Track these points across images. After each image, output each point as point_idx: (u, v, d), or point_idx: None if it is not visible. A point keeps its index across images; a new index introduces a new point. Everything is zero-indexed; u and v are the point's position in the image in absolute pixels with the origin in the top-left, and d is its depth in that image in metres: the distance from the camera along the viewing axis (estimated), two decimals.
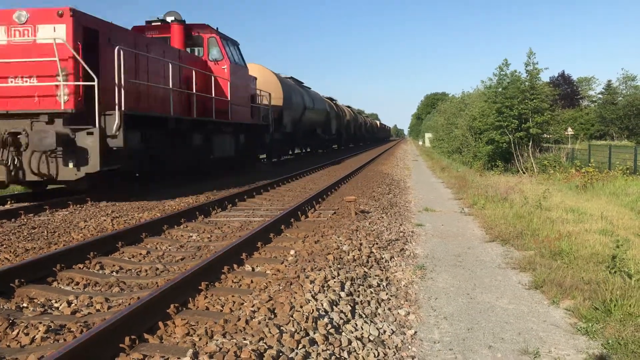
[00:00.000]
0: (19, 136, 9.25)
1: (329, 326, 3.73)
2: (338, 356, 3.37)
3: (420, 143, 75.16)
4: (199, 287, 4.44)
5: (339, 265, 5.21)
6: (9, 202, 9.80)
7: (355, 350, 3.53)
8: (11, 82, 9.39)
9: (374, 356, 3.51)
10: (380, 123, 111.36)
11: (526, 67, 20.19)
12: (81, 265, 5.41)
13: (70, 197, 10.10)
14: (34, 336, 3.50)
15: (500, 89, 20.48)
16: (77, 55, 9.13)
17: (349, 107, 50.41)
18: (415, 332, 4.11)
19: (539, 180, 16.44)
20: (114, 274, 5.21)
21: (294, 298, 4.07)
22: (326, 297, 4.23)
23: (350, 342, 3.61)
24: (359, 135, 57.89)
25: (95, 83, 9.11)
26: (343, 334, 3.73)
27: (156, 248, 6.30)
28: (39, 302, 4.32)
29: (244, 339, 3.30)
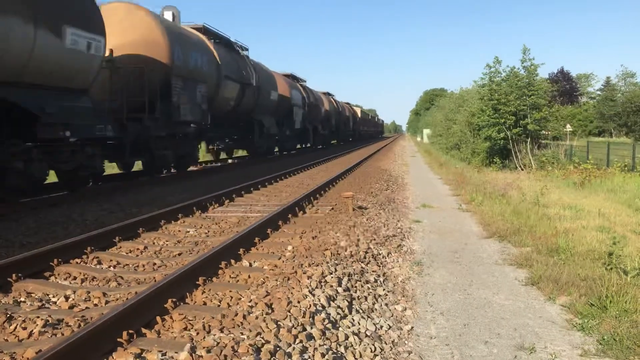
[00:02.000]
0: None
1: (326, 321, 3.74)
2: (335, 351, 3.38)
3: (419, 139, 75.13)
4: (197, 282, 4.44)
5: (336, 261, 5.23)
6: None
7: (352, 345, 3.54)
8: None
9: (371, 351, 3.52)
10: (363, 111, 73.23)
11: (522, 63, 20.21)
12: (78, 260, 5.41)
13: (67, 193, 10.10)
14: (32, 330, 3.50)
15: (493, 86, 20.48)
16: None
17: (291, 76, 27.11)
18: (412, 328, 4.13)
19: (537, 177, 16.46)
20: (112, 268, 5.21)
21: (291, 293, 4.09)
22: (323, 292, 4.25)
23: (347, 337, 3.62)
24: (311, 131, 31.85)
25: None
26: (340, 329, 3.74)
27: (153, 243, 6.30)
28: (36, 297, 4.32)
29: (242, 333, 3.31)
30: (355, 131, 59.07)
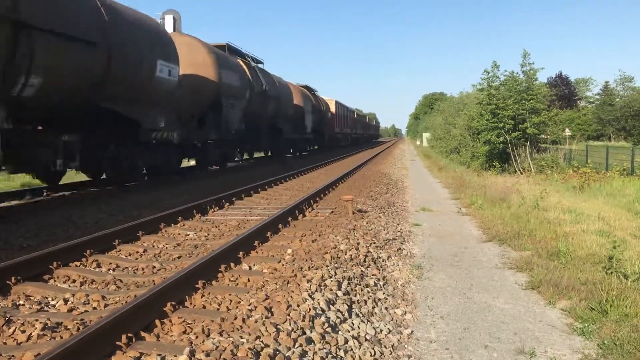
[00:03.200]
0: None
1: (326, 325, 3.73)
2: (334, 355, 3.37)
3: (418, 143, 75.19)
4: (196, 286, 4.43)
5: (336, 265, 5.22)
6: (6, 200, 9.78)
7: (351, 349, 3.53)
8: None
9: (371, 355, 3.51)
10: (342, 106, 48.51)
11: (522, 67, 20.26)
12: (78, 263, 5.40)
13: (68, 194, 10.09)
14: (31, 334, 3.49)
15: (492, 91, 20.51)
16: None
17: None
18: (412, 332, 4.12)
19: (537, 181, 16.47)
20: (111, 271, 5.20)
21: (291, 297, 4.08)
22: (323, 296, 4.24)
23: (346, 341, 3.61)
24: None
25: None
26: (340, 332, 3.73)
27: (153, 246, 6.29)
28: (35, 300, 4.31)
29: (241, 337, 3.30)
30: (322, 134, 36.68)
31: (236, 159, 21.35)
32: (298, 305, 3.91)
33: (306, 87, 33.79)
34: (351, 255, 5.74)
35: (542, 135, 22.19)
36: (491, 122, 20.27)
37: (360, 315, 4.19)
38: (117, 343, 3.20)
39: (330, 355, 3.32)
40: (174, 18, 15.64)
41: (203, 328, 3.48)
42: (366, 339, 3.77)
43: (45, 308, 4.14)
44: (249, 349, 3.09)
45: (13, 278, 4.55)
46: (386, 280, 5.38)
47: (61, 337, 3.45)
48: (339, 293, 4.44)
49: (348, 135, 50.89)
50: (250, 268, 5.30)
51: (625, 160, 18.57)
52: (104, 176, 12.63)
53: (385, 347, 3.73)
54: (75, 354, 2.91)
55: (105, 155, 11.09)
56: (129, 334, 3.29)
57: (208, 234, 7.01)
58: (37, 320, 3.74)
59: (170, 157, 13.88)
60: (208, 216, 8.39)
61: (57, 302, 4.25)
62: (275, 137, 23.73)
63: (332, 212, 8.70)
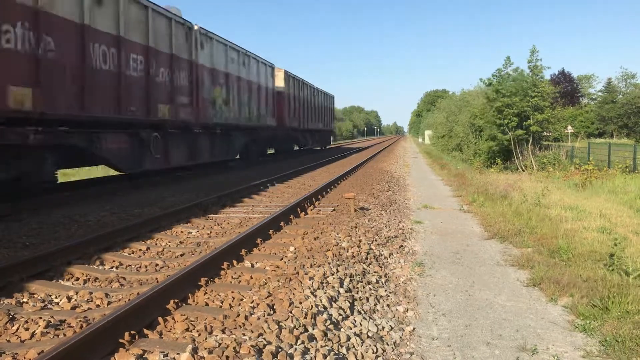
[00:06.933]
0: None
1: (328, 322, 3.74)
2: (337, 352, 3.38)
3: (420, 140, 75.12)
4: (199, 283, 4.45)
5: (338, 262, 5.23)
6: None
7: (353, 346, 3.54)
8: None
9: (373, 352, 3.52)
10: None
11: (529, 64, 20.24)
12: (81, 261, 5.42)
13: (71, 193, 10.12)
14: (34, 331, 3.51)
15: (499, 87, 20.49)
16: None
17: None
18: (414, 329, 4.13)
19: (538, 178, 16.46)
20: (114, 269, 5.22)
21: (293, 294, 4.09)
22: (325, 293, 4.25)
23: (349, 338, 3.62)
24: None
25: None
26: (342, 330, 3.74)
27: (156, 244, 6.31)
28: (39, 297, 4.33)
29: (243, 334, 3.31)
30: None
31: None
32: (300, 303, 3.93)
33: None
34: (353, 252, 5.75)
35: (545, 133, 22.19)
36: (496, 118, 20.26)
37: (362, 312, 4.20)
38: (120, 340, 3.21)
39: (332, 353, 3.33)
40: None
41: (206, 325, 3.50)
42: (368, 336, 3.78)
43: (49, 306, 4.16)
44: (252, 346, 3.10)
45: (17, 276, 4.57)
46: (388, 277, 5.39)
47: (64, 335, 3.47)
48: (341, 290, 4.45)
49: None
50: (252, 265, 5.31)
51: (627, 157, 18.55)
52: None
53: (387, 344, 3.74)
54: (78, 352, 2.92)
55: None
56: (132, 332, 3.31)
57: (210, 232, 7.03)
58: (40, 317, 3.76)
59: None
60: (210, 214, 8.41)
61: (60, 300, 4.27)
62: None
63: (334, 209, 8.71)
